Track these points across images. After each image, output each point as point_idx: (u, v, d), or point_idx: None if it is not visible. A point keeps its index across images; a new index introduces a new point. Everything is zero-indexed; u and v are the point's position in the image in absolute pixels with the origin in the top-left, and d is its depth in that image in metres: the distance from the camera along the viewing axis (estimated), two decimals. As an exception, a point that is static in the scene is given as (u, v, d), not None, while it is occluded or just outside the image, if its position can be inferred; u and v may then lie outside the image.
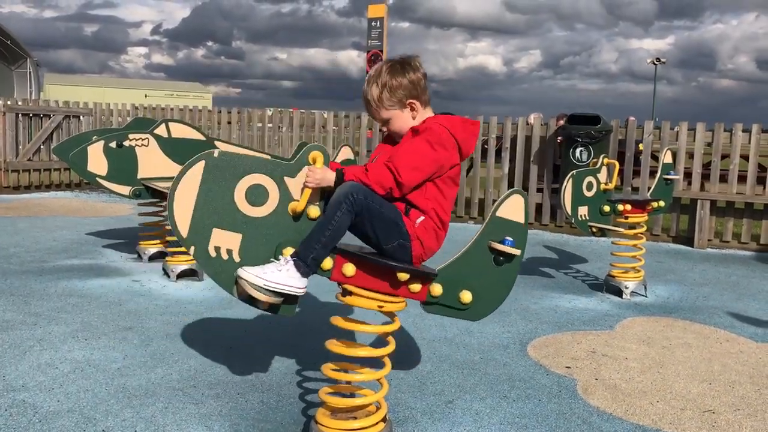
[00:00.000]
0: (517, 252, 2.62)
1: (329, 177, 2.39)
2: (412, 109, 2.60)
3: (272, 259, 2.38)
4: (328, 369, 2.63)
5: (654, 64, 51.27)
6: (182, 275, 5.29)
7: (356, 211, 2.35)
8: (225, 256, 2.37)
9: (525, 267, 6.30)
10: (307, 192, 2.39)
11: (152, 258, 5.89)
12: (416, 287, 2.55)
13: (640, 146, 8.27)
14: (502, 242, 2.61)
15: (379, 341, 2.72)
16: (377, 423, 2.55)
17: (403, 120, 2.62)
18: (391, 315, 2.66)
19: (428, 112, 2.65)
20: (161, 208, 5.92)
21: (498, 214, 2.64)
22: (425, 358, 3.71)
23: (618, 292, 5.28)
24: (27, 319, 4.15)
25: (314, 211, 2.42)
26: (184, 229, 2.32)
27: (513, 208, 2.66)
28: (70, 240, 6.79)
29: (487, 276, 2.66)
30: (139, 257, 5.95)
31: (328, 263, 2.42)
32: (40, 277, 5.22)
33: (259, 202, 2.38)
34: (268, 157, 5.22)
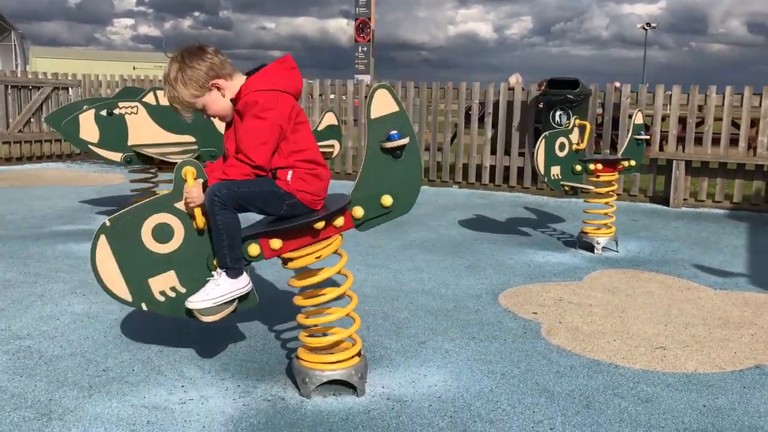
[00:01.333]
0: (406, 140, 2.75)
1: (202, 192, 2.54)
2: (219, 89, 2.63)
3: (207, 279, 2.62)
4: (302, 318, 2.87)
5: (645, 29, 51.22)
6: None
7: (229, 204, 2.50)
8: (172, 294, 2.62)
9: (504, 226, 6.57)
10: (197, 210, 2.56)
11: (145, 222, 6.11)
12: (339, 221, 2.74)
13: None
14: (389, 138, 2.73)
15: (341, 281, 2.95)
16: (353, 357, 2.81)
17: (216, 101, 2.65)
18: (337, 252, 2.85)
19: (238, 80, 2.66)
20: (152, 174, 6.13)
21: (373, 117, 2.75)
22: (402, 307, 3.98)
23: (590, 248, 5.54)
24: (27, 279, 4.39)
25: None
26: (126, 296, 2.57)
27: (383, 103, 2.75)
28: (65, 207, 7.00)
29: (394, 173, 2.79)
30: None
31: (255, 250, 2.62)
32: (37, 242, 5.44)
33: (168, 237, 2.59)
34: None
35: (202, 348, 3.27)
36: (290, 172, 2.63)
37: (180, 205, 2.59)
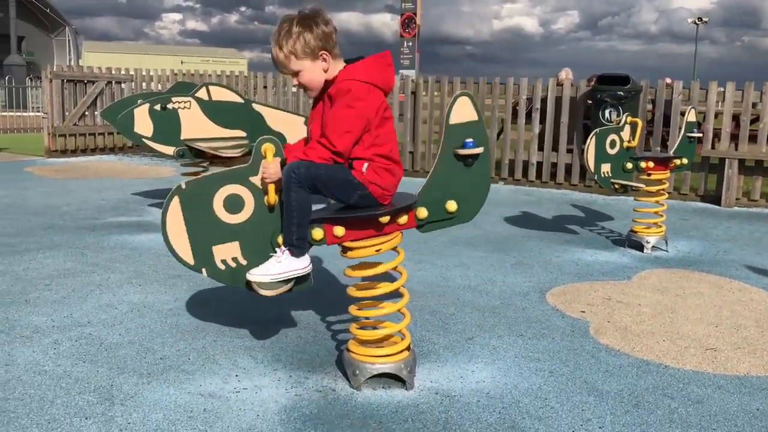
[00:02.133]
0: (480, 150, 2.81)
1: (279, 169, 2.60)
2: (324, 60, 2.67)
3: (270, 254, 2.67)
4: (354, 309, 2.93)
5: (696, 23, 49.97)
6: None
7: (305, 184, 2.56)
8: (233, 265, 2.68)
9: (551, 224, 6.53)
10: (271, 186, 2.63)
11: (195, 215, 6.25)
12: (403, 219, 2.79)
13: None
14: (464, 146, 2.80)
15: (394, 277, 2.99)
16: (402, 351, 2.85)
17: (314, 72, 2.69)
18: (395, 249, 2.89)
19: (339, 64, 2.72)
20: (203, 168, 6.26)
21: (451, 122, 2.81)
22: (449, 303, 4.00)
23: (639, 247, 5.48)
24: (85, 268, 4.54)
25: None
26: (189, 258, 2.64)
27: (463, 111, 2.82)
28: (118, 199, 7.21)
29: (463, 181, 2.87)
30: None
31: (318, 233, 2.67)
32: (92, 233, 5.62)
33: (239, 208, 2.65)
34: (302, 118, 5.50)
35: (254, 339, 3.35)
36: (366, 164, 2.70)
37: (255, 180, 2.66)
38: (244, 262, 2.69)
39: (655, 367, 3.14)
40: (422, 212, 2.82)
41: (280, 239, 2.69)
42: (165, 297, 3.97)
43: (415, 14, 20.59)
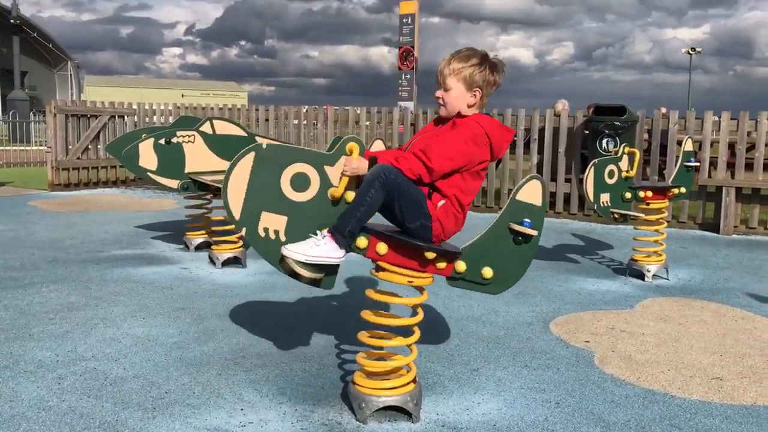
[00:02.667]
0: (535, 233, 2.90)
1: (364, 166, 2.68)
2: (473, 96, 2.82)
3: (310, 235, 2.70)
4: (364, 336, 2.94)
5: (689, 53, 50.52)
6: (227, 263, 5.67)
7: (387, 189, 2.61)
8: (272, 236, 2.69)
9: (551, 253, 6.56)
10: (345, 179, 2.69)
11: (198, 247, 6.28)
12: (442, 264, 2.84)
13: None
14: (521, 223, 2.88)
15: (410, 313, 3.01)
16: (408, 384, 2.86)
17: (460, 98, 2.83)
18: (420, 288, 2.95)
19: (477, 110, 2.88)
20: (206, 201, 6.30)
21: (518, 197, 2.92)
22: (453, 334, 4.01)
23: (640, 276, 5.50)
24: (89, 302, 4.55)
25: (351, 197, 2.72)
26: (237, 212, 2.65)
27: (531, 192, 2.93)
28: (121, 232, 7.23)
29: (506, 254, 2.94)
30: (186, 247, 6.34)
31: (363, 242, 2.72)
32: (96, 266, 5.64)
33: (303, 188, 2.69)
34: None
35: (259, 372, 3.35)
36: (443, 201, 2.78)
37: (329, 169, 2.70)
38: (283, 238, 2.70)
39: (661, 396, 3.14)
40: (461, 266, 2.86)
41: (323, 230, 2.70)
42: (169, 330, 3.98)
43: (412, 47, 20.83)
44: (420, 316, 2.92)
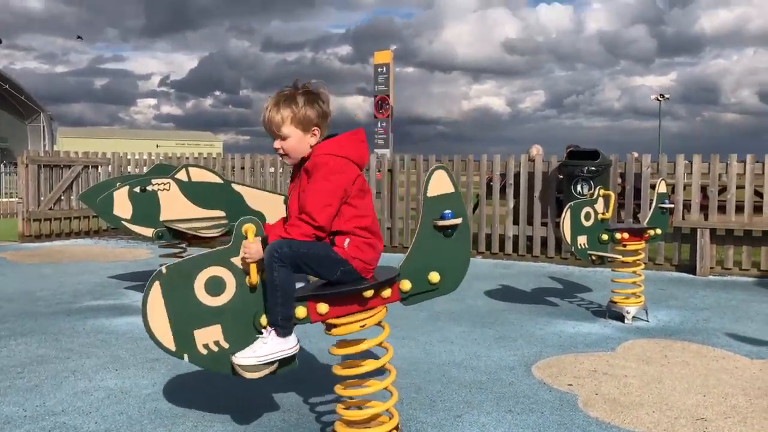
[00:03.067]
0: (459, 221, 2.85)
1: (261, 248, 2.60)
2: (313, 136, 2.74)
3: (256, 335, 2.64)
4: (339, 389, 2.87)
5: (658, 100, 51.82)
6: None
7: (288, 262, 2.55)
8: (215, 349, 2.64)
9: (530, 296, 6.54)
10: (252, 265, 2.62)
11: (173, 297, 6.15)
12: (387, 293, 2.78)
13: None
14: (443, 217, 2.83)
15: (380, 353, 2.94)
16: (391, 431, 2.78)
17: (301, 143, 2.73)
18: (379, 325, 2.87)
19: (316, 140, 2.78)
20: (181, 249, 6.22)
21: (429, 194, 2.86)
22: (435, 380, 3.94)
23: (620, 318, 5.49)
24: (60, 354, 4.42)
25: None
26: (170, 344, 2.59)
27: (440, 183, 2.88)
28: (94, 283, 7.09)
29: (444, 252, 2.88)
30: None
31: (301, 312, 2.65)
32: (68, 317, 5.50)
33: (220, 290, 2.63)
34: (281, 197, 5.51)
35: (236, 423, 3.25)
36: (347, 240, 2.70)
37: (236, 260, 2.63)
38: (226, 346, 2.64)
39: (646, 439, 3.09)
40: (406, 285, 2.81)
41: (263, 320, 2.65)
42: (143, 381, 3.86)
43: (388, 96, 21.10)
44: (390, 354, 2.85)
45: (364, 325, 2.77)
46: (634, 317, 5.46)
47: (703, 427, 3.25)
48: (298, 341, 2.68)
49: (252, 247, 2.60)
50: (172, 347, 2.59)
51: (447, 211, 2.83)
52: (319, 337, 4.77)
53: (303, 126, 2.72)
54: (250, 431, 3.15)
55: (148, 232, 5.67)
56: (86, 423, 3.25)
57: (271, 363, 2.63)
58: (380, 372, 2.85)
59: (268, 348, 2.59)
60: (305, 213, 2.62)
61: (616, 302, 5.55)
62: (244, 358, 2.59)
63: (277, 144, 2.77)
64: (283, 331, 2.61)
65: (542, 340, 4.87)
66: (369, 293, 2.71)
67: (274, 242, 2.58)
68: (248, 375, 2.61)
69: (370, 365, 2.80)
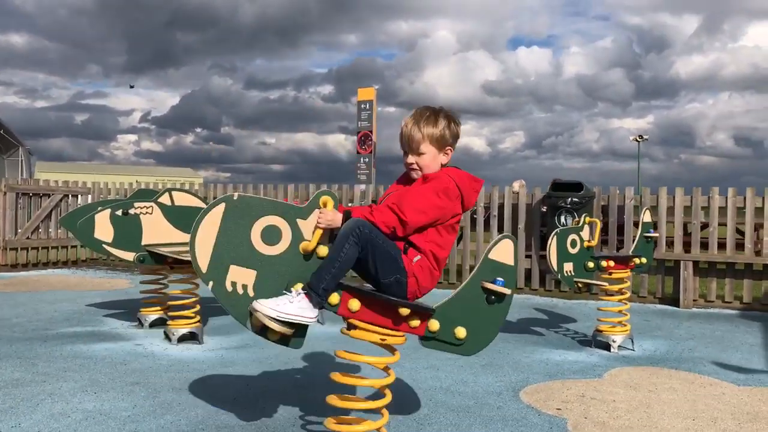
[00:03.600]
0: (508, 291, 2.84)
1: (338, 219, 2.63)
2: (446, 155, 2.86)
3: (284, 292, 2.59)
4: (334, 399, 2.79)
5: (637, 141, 52.68)
6: (183, 338, 5.44)
7: (362, 243, 2.56)
8: (240, 291, 2.58)
9: (516, 326, 6.50)
10: (318, 232, 2.61)
11: (153, 324, 6.04)
12: (416, 323, 2.75)
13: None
14: (494, 282, 2.83)
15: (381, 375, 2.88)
16: (379, 449, 2.71)
17: (434, 160, 2.84)
18: (391, 349, 2.84)
19: (447, 164, 2.91)
20: (162, 276, 6.12)
21: (490, 256, 2.87)
22: (422, 404, 3.87)
23: (606, 347, 5.46)
24: (36, 378, 4.29)
25: (323, 251, 2.63)
26: (204, 264, 2.54)
27: (503, 252, 2.89)
28: (71, 311, 6.94)
29: (479, 314, 2.86)
30: (140, 324, 6.09)
31: (335, 298, 2.62)
32: (44, 343, 5.36)
33: (273, 241, 2.60)
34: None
35: (219, 444, 3.15)
36: (418, 257, 2.72)
37: (301, 222, 2.61)
38: (251, 294, 2.58)
39: (638, 460, 3.04)
40: (434, 325, 2.78)
41: (296, 287, 2.59)
42: (122, 404, 3.74)
43: (371, 131, 21.23)
44: (392, 377, 2.81)
45: (384, 339, 2.73)
46: (620, 346, 5.43)
47: (695, 449, 3.20)
48: (317, 317, 2.61)
49: (328, 215, 2.61)
50: (204, 268, 2.54)
51: (500, 279, 2.84)
52: (308, 361, 4.70)
53: (439, 145, 2.82)
54: (233, 453, 3.05)
55: (130, 256, 5.57)
56: (62, 444, 3.13)
57: (284, 324, 2.55)
58: (377, 393, 2.80)
59: (291, 308, 2.53)
60: (399, 205, 2.65)
61: (602, 331, 5.52)
62: (266, 306, 2.52)
63: (411, 159, 2.85)
64: (316, 299, 2.55)
65: (529, 367, 4.82)
66: (405, 311, 2.68)
67: (361, 220, 2.60)
68: (265, 321, 2.52)
69: (371, 381, 2.76)
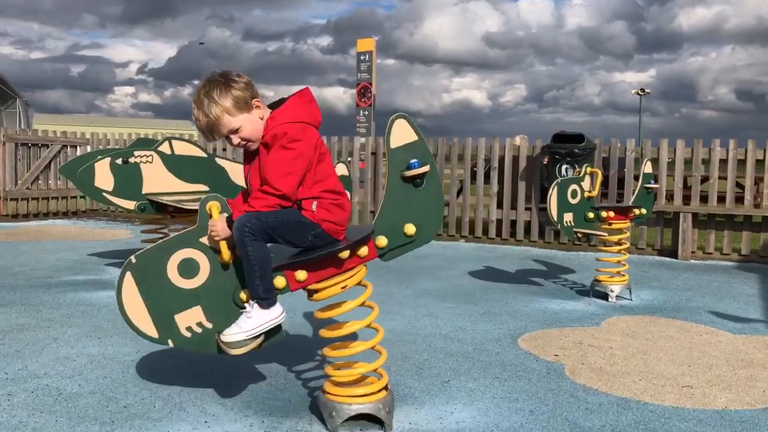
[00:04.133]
0: (426, 168, 2.75)
1: (227, 226, 2.54)
2: (258, 107, 2.63)
3: (240, 311, 2.60)
4: (328, 351, 2.84)
5: (639, 94, 52.14)
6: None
7: (260, 235, 2.49)
8: (198, 330, 2.60)
9: (514, 277, 6.55)
10: (222, 243, 2.56)
11: (155, 273, 6.07)
12: (363, 251, 2.73)
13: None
14: (410, 167, 2.74)
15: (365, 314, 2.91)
16: (379, 391, 2.75)
17: (254, 122, 2.63)
18: (360, 284, 2.82)
19: (267, 111, 2.68)
20: (162, 226, 6.13)
21: (392, 146, 2.77)
22: (421, 350, 3.93)
23: (604, 297, 5.51)
24: (41, 324, 4.34)
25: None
26: (152, 332, 2.56)
27: (402, 133, 2.78)
28: (73, 260, 6.98)
29: (416, 202, 2.80)
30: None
31: (280, 282, 2.60)
32: (48, 290, 5.41)
33: (194, 272, 2.58)
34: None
35: (222, 387, 3.21)
36: (315, 203, 2.63)
37: (205, 240, 2.58)
38: (209, 326, 2.61)
39: (634, 404, 3.10)
40: (382, 241, 2.75)
41: (242, 295, 2.60)
42: (126, 349, 3.80)
43: (370, 84, 21.03)
44: (376, 312, 2.82)
45: (345, 287, 2.73)
46: (617, 296, 5.48)
47: (689, 393, 3.26)
48: (283, 310, 2.63)
49: (218, 225, 2.53)
50: (155, 335, 2.56)
51: (413, 161, 2.74)
52: (302, 304, 4.75)
53: (243, 107, 2.60)
54: (236, 394, 3.11)
55: (131, 204, 5.58)
56: (69, 385, 3.19)
57: (258, 336, 2.58)
58: (367, 332, 2.83)
59: (253, 321, 2.55)
60: (267, 184, 2.54)
61: (600, 281, 5.56)
62: (232, 335, 2.55)
63: (235, 140, 2.64)
64: (267, 302, 2.57)
65: (527, 316, 4.87)
66: (345, 254, 2.67)
67: (241, 217, 2.50)
68: (234, 351, 2.56)
69: (356, 325, 2.78)
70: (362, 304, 2.80)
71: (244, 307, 2.61)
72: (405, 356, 3.77)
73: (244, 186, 2.79)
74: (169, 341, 2.58)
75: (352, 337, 2.86)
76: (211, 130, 2.64)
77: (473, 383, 3.35)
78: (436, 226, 2.88)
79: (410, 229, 2.78)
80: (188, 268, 2.57)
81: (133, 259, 2.54)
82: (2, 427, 2.69)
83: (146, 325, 2.55)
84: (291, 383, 3.29)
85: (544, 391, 3.24)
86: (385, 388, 2.79)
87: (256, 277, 2.52)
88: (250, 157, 2.73)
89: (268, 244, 2.57)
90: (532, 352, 3.93)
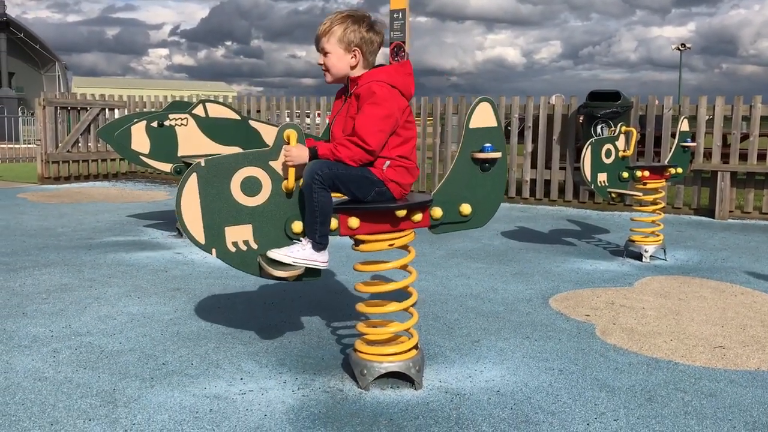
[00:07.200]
0: (498, 155, 2.84)
1: (304, 155, 2.59)
2: (353, 57, 2.77)
3: (294, 240, 2.65)
4: (362, 306, 2.89)
5: (679, 49, 50.62)
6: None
7: (327, 184, 2.56)
8: (244, 248, 2.63)
9: (547, 237, 6.53)
10: (291, 170, 2.59)
11: (192, 234, 6.19)
12: (418, 217, 2.79)
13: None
14: (482, 150, 2.82)
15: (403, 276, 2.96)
16: (410, 350, 2.81)
17: (341, 61, 2.77)
18: (406, 248, 2.87)
19: (361, 69, 2.80)
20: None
21: (471, 126, 2.85)
22: (452, 309, 3.97)
23: (638, 257, 5.47)
24: (83, 283, 4.49)
25: None
26: (200, 237, 2.59)
27: (484, 116, 2.86)
28: (113, 221, 7.15)
29: (478, 185, 2.89)
30: (179, 234, 6.26)
31: (333, 223, 2.65)
32: (89, 251, 5.56)
33: (256, 191, 2.61)
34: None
35: (257, 345, 3.30)
36: (387, 162, 2.72)
37: (274, 164, 2.62)
38: (255, 246, 2.65)
39: (665, 364, 3.11)
40: (437, 212, 2.82)
41: (295, 227, 2.65)
42: (165, 308, 3.92)
43: (404, 42, 20.81)
44: (414, 276, 2.87)
45: (392, 245, 2.78)
46: (652, 256, 5.44)
47: (721, 354, 3.26)
48: (328, 259, 2.68)
49: (293, 151, 2.59)
50: (202, 240, 2.60)
51: (487, 145, 2.82)
52: (340, 264, 4.82)
53: (344, 45, 2.75)
54: (271, 351, 3.20)
55: (167, 167, 5.68)
56: (111, 343, 3.31)
57: (299, 268, 2.63)
58: (402, 293, 2.87)
59: (304, 254, 2.61)
60: (358, 136, 2.63)
61: (634, 241, 5.52)
62: (280, 254, 2.61)
63: (320, 59, 2.81)
64: (320, 246, 2.63)
65: (559, 276, 4.88)
66: (401, 213, 2.72)
67: (315, 164, 2.58)
68: (275, 272, 2.59)
69: (395, 284, 2.83)
70: (404, 267, 2.85)
71: (294, 238, 2.66)
72: (436, 316, 3.82)
73: None
74: (213, 250, 2.61)
75: (388, 294, 2.90)
76: (318, 38, 2.80)
77: (503, 343, 3.39)
78: (491, 212, 2.96)
79: (466, 209, 2.85)
80: (251, 186, 2.61)
81: (202, 162, 2.57)
82: (49, 381, 2.82)
83: (196, 228, 2.58)
84: (324, 341, 3.36)
85: (574, 351, 3.27)
86: (416, 347, 2.85)
87: (316, 221, 2.60)
88: (337, 106, 2.88)
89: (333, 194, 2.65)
90: (563, 312, 3.95)
